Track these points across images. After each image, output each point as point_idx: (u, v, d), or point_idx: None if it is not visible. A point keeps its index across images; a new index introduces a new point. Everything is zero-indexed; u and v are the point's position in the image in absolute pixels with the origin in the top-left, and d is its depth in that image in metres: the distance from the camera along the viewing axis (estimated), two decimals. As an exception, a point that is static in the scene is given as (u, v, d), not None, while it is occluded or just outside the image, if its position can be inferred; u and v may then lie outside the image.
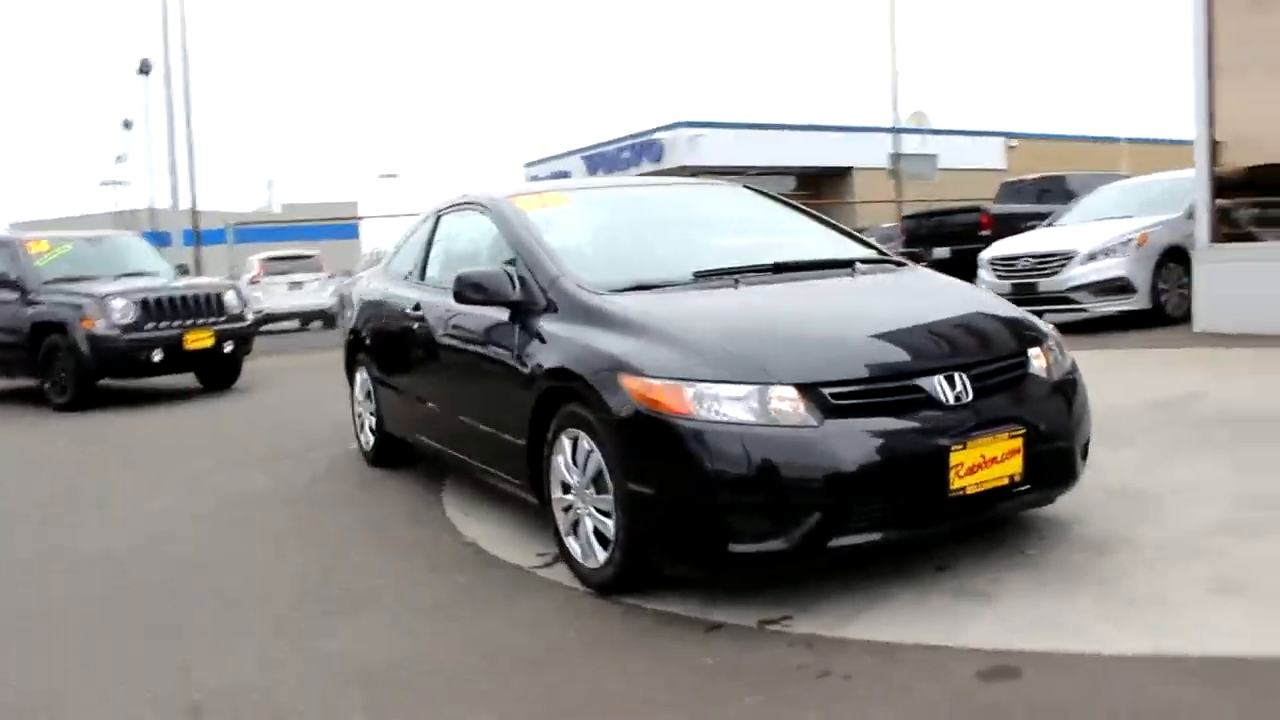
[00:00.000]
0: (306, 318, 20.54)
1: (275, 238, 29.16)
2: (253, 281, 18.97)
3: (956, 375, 3.31)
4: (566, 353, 3.58)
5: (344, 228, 43.12)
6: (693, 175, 39.19)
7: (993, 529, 3.79)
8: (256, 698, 2.92)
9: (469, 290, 4.06)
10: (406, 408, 5.22)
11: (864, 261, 4.28)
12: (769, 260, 4.08)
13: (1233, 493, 4.13)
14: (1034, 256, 9.89)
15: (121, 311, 8.98)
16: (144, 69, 34.24)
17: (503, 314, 4.09)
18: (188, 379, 10.25)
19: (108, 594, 3.94)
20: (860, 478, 3.09)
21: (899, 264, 4.40)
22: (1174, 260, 9.58)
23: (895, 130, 38.44)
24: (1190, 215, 9.70)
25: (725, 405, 3.12)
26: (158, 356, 9.14)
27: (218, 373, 9.98)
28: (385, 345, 5.49)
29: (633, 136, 40.60)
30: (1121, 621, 3.02)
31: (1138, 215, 10.18)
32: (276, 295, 19.23)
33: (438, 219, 5.28)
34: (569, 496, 3.66)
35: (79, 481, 6.20)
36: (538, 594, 3.64)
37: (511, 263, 4.20)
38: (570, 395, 3.59)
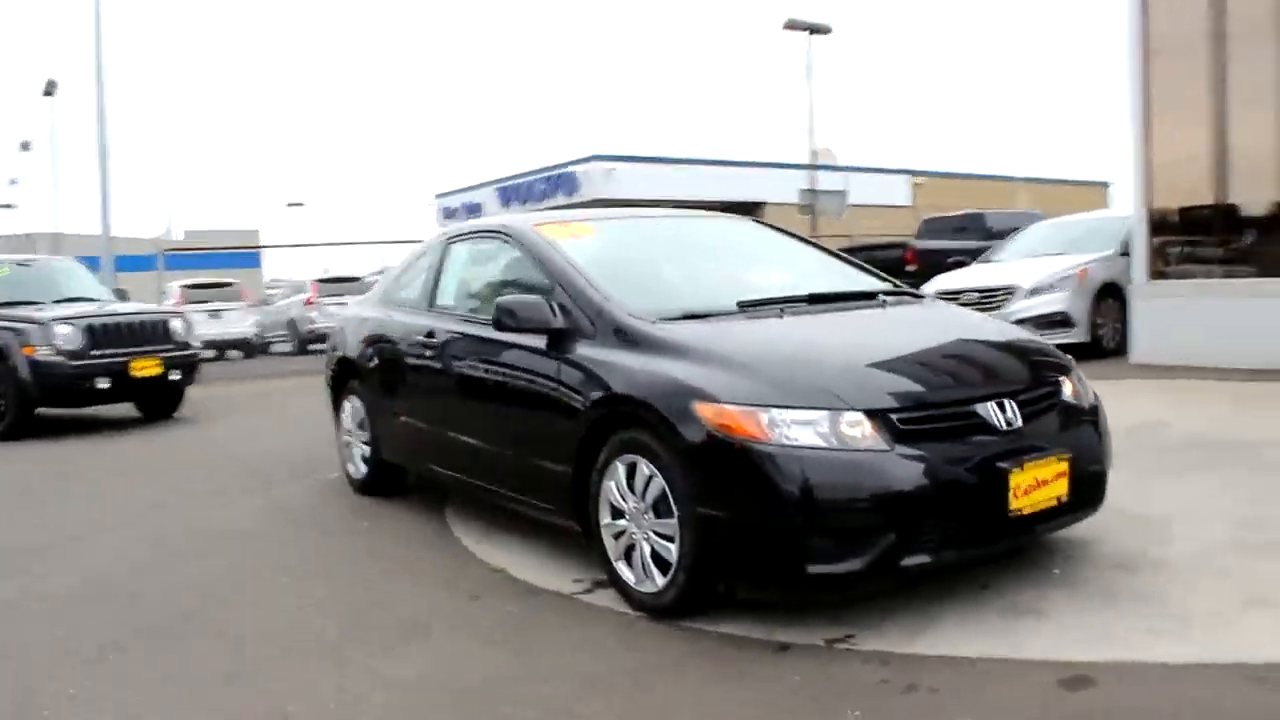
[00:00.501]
0: (224, 347, 19.99)
1: (179, 266, 28.33)
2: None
3: (1007, 402, 3.48)
4: (628, 379, 3.62)
5: (247, 256, 42.14)
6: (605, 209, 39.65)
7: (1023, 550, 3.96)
8: (348, 724, 2.88)
9: (508, 318, 4.08)
10: (413, 436, 5.17)
11: (886, 293, 4.45)
12: (801, 291, 4.21)
13: (1231, 514, 4.38)
14: (978, 291, 10.28)
15: (67, 338, 8.65)
16: (49, 90, 33.10)
17: (538, 341, 4.12)
18: (124, 408, 9.91)
19: (140, 634, 3.79)
20: (930, 499, 3.21)
21: (917, 296, 4.58)
22: (1110, 295, 10.08)
23: (809, 167, 39.38)
24: (1123, 252, 10.24)
25: (799, 430, 3.22)
26: (104, 384, 8.82)
27: (160, 402, 9.67)
28: (387, 373, 5.43)
29: (547, 169, 40.77)
30: (1171, 634, 3.19)
31: (1071, 252, 10.68)
32: (196, 324, 18.65)
33: (446, 247, 5.27)
34: (621, 522, 3.69)
35: (50, 515, 5.94)
36: (592, 620, 3.66)
37: (542, 290, 4.24)
38: (627, 421, 3.64)
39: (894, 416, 3.28)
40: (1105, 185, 50.74)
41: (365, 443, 5.75)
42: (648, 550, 3.59)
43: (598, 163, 37.99)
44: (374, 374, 5.56)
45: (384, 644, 3.51)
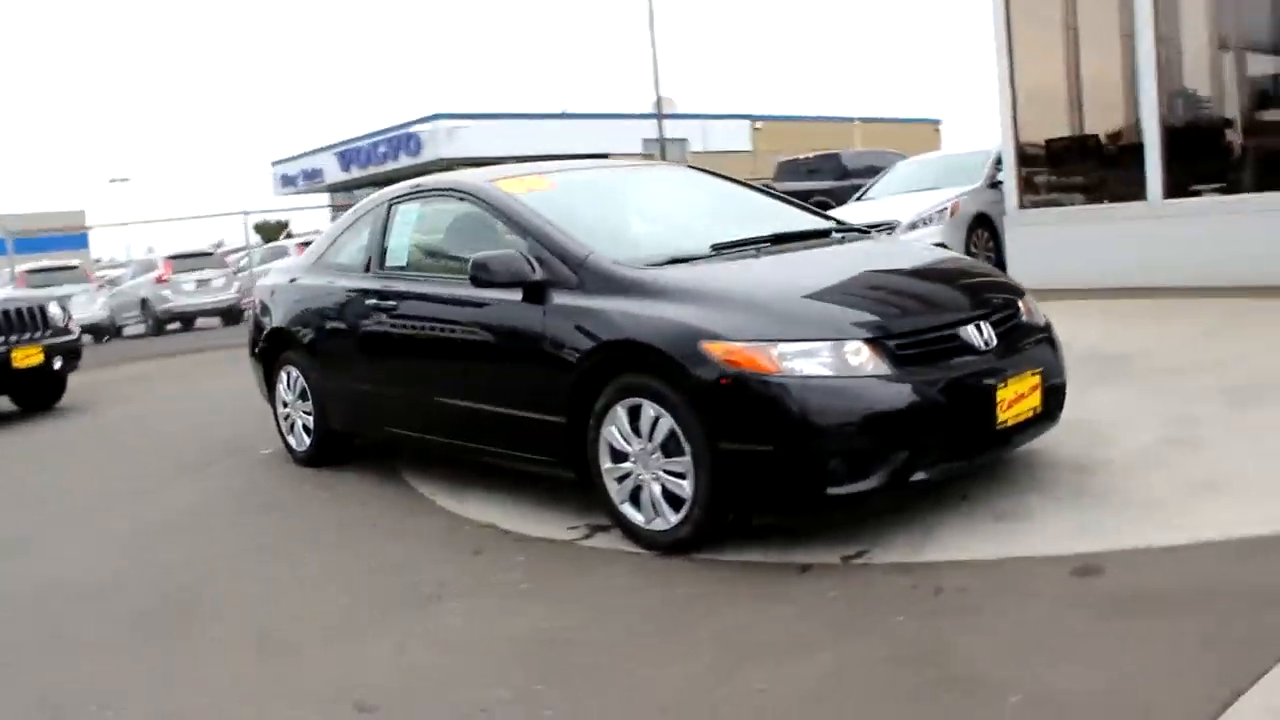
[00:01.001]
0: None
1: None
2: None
3: (982, 324, 3.73)
4: (628, 325, 3.70)
5: (74, 238, 39.57)
6: (449, 169, 39.00)
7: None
8: (433, 684, 2.91)
9: (484, 273, 4.09)
10: (370, 402, 5.10)
11: (837, 230, 4.65)
12: (763, 232, 4.35)
13: (1152, 416, 4.79)
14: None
15: (-63, 330, 8.04)
16: None
17: (512, 295, 4.14)
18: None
19: (151, 624, 3.66)
20: (933, 417, 3.44)
21: (865, 232, 4.80)
22: (980, 226, 10.69)
23: (651, 116, 39.54)
24: (991, 185, 10.85)
25: (805, 362, 3.38)
26: (-19, 378, 8.25)
27: (41, 393, 9.11)
28: (332, 340, 5.32)
29: (388, 130, 39.68)
30: (1148, 521, 3.52)
31: (941, 187, 11.22)
32: (42, 310, 17.50)
33: (389, 208, 5.18)
34: (626, 465, 3.79)
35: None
36: (606, 562, 3.75)
37: (508, 244, 4.25)
38: (628, 366, 3.72)
39: (890, 343, 3.48)
40: (936, 123, 53.18)
41: (307, 413, 5.63)
42: (657, 490, 3.70)
43: (440, 121, 37.19)
44: (316, 342, 5.43)
45: (411, 607, 3.52)
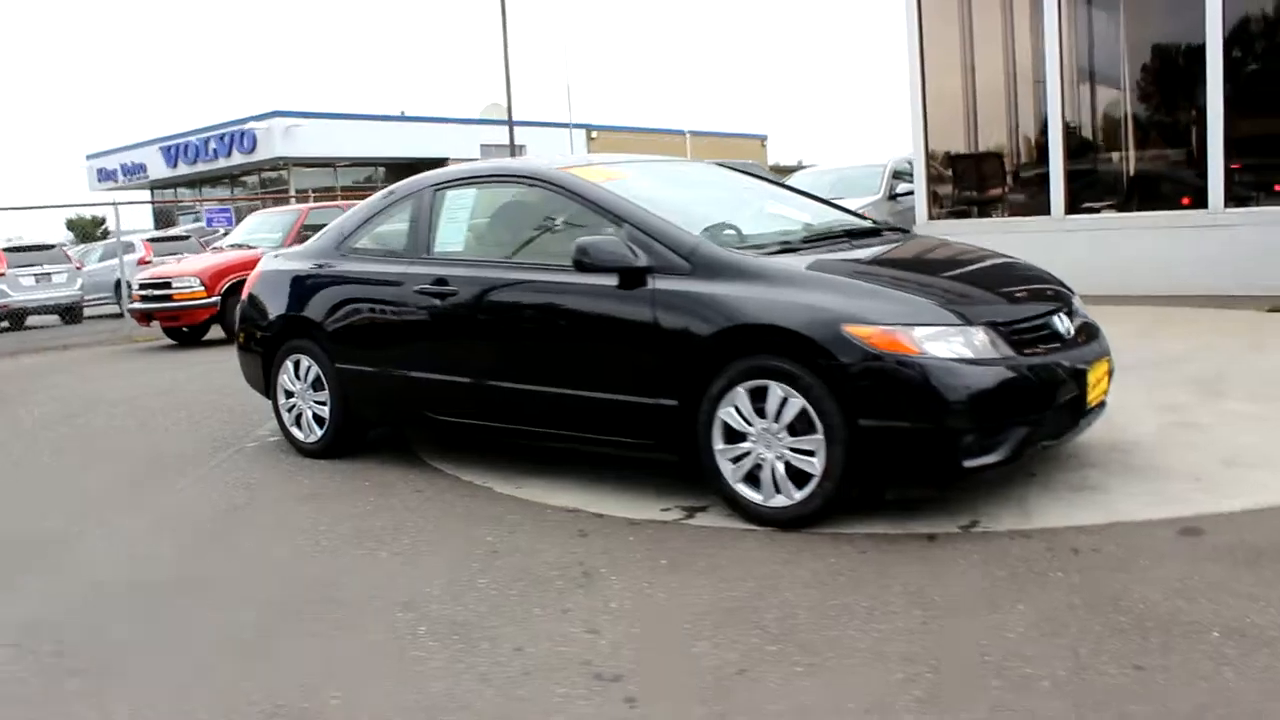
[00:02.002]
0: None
1: None
2: None
3: (1063, 314, 4.12)
4: (763, 309, 3.86)
5: None
6: (284, 167, 37.56)
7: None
8: (661, 651, 2.98)
9: (587, 257, 4.18)
10: (408, 389, 5.02)
11: (887, 229, 4.97)
12: (818, 224, 4.63)
13: (1145, 406, 5.33)
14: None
15: None
16: None
17: (603, 280, 4.23)
18: None
19: (281, 617, 3.55)
20: (1045, 396, 3.79)
21: (904, 230, 5.14)
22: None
23: (495, 122, 39.36)
24: (891, 196, 11.59)
25: (940, 345, 3.65)
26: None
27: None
28: (363, 326, 5.21)
29: (221, 126, 37.91)
30: (1208, 490, 3.98)
31: (844, 198, 11.83)
32: None
33: (435, 194, 5.12)
34: (744, 445, 3.95)
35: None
36: (730, 540, 3.87)
37: (593, 230, 4.34)
38: (751, 349, 3.89)
39: (1004, 330, 3.80)
40: (763, 138, 55.35)
41: (320, 403, 5.48)
42: (781, 468, 3.88)
43: (278, 119, 35.79)
44: (342, 329, 5.30)
45: (575, 587, 3.52)
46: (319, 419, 5.53)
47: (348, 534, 4.30)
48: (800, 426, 3.81)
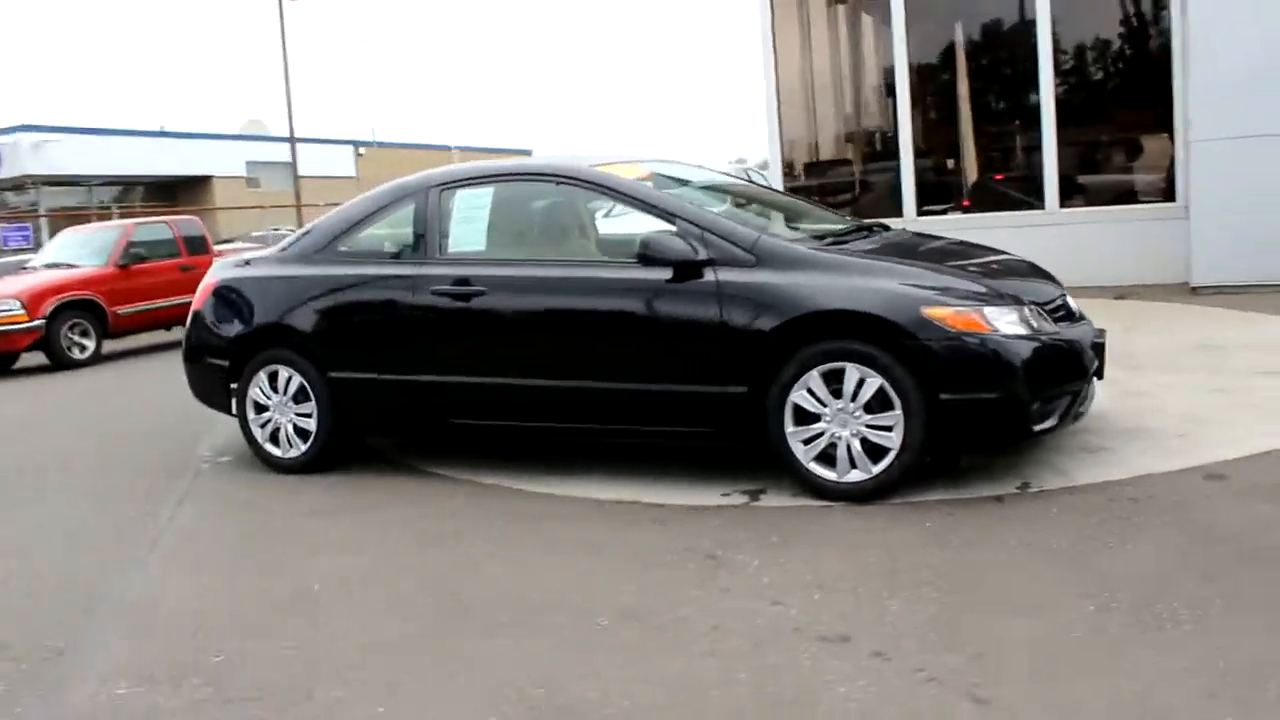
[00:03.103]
0: None
1: None
2: None
3: (1068, 296, 4.61)
4: (841, 295, 4.09)
5: None
6: (31, 186, 34.16)
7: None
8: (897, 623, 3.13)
9: (650, 252, 4.29)
10: (424, 394, 4.89)
11: (876, 226, 5.33)
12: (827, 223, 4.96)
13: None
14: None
15: None
16: None
17: (653, 273, 4.35)
18: None
19: (445, 621, 3.41)
20: (1086, 365, 4.24)
21: (886, 227, 5.53)
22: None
23: (255, 138, 37.60)
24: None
25: (1006, 322, 4.03)
26: None
27: None
28: (366, 331, 5.02)
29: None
30: (1196, 444, 4.55)
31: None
32: None
33: (439, 193, 5.01)
34: (818, 425, 4.17)
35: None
36: (814, 518, 4.05)
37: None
38: (825, 334, 4.11)
39: (1045, 308, 4.23)
40: (527, 152, 55.91)
41: (304, 415, 5.22)
42: (857, 445, 4.12)
43: (25, 134, 32.59)
44: (338, 335, 5.07)
45: (708, 571, 3.61)
46: (302, 432, 5.25)
47: (425, 543, 4.16)
48: (876, 405, 4.07)
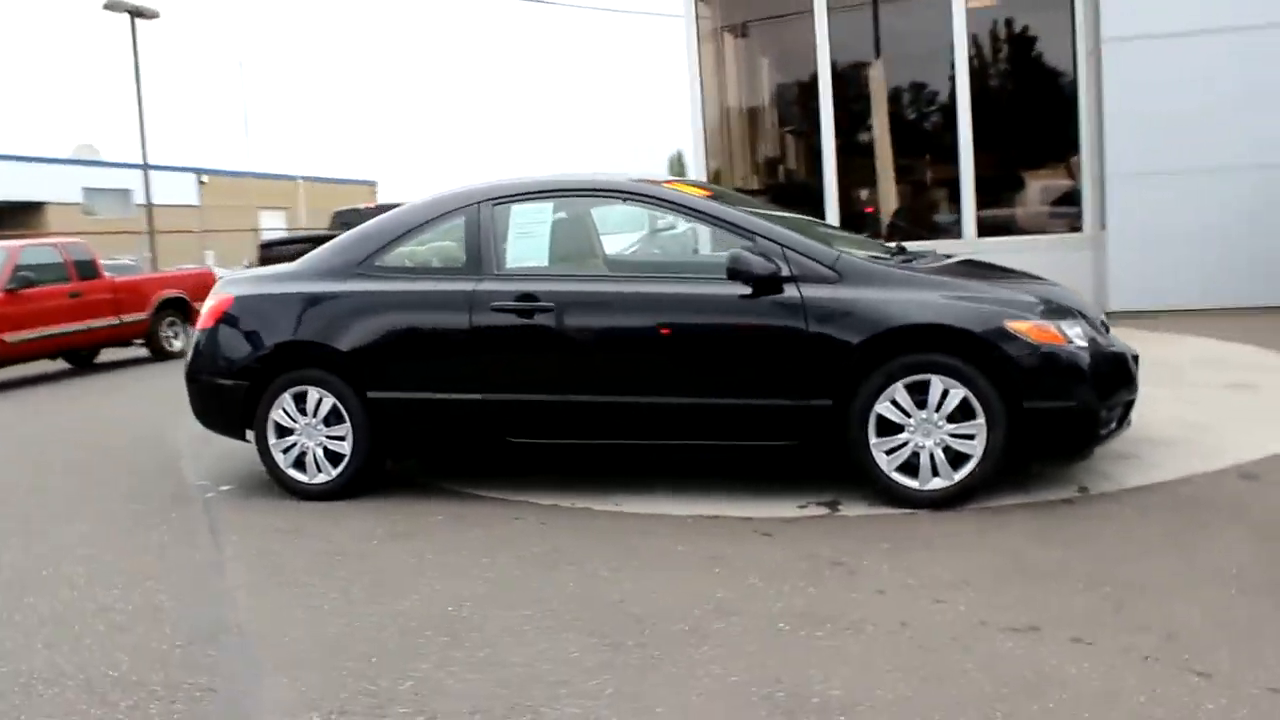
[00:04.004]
0: None
1: None
2: None
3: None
4: (930, 311, 4.28)
5: None
6: None
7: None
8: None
9: (741, 268, 4.39)
10: (478, 413, 4.79)
11: (901, 249, 5.59)
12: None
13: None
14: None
15: None
16: None
17: (738, 289, 4.44)
18: None
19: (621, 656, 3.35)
20: (1135, 376, 4.57)
21: (905, 249, 5.79)
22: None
23: (90, 163, 35.63)
24: (653, 232, 12.35)
25: (1076, 335, 4.32)
26: None
27: None
28: (415, 350, 4.89)
29: None
30: (1210, 449, 4.97)
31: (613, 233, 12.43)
32: None
33: (492, 208, 4.92)
34: (901, 436, 4.34)
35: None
36: (909, 523, 4.21)
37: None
38: (909, 347, 4.29)
39: (1096, 322, 4.55)
40: (373, 184, 54.81)
41: (336, 438, 5.02)
42: (940, 454, 4.31)
43: None
44: (387, 353, 4.91)
45: (843, 579, 3.70)
46: (333, 456, 5.05)
47: (531, 563, 4.06)
48: (959, 415, 4.27)
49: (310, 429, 5.06)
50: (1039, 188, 10.87)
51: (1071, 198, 10.41)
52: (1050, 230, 10.47)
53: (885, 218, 11.30)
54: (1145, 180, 8.97)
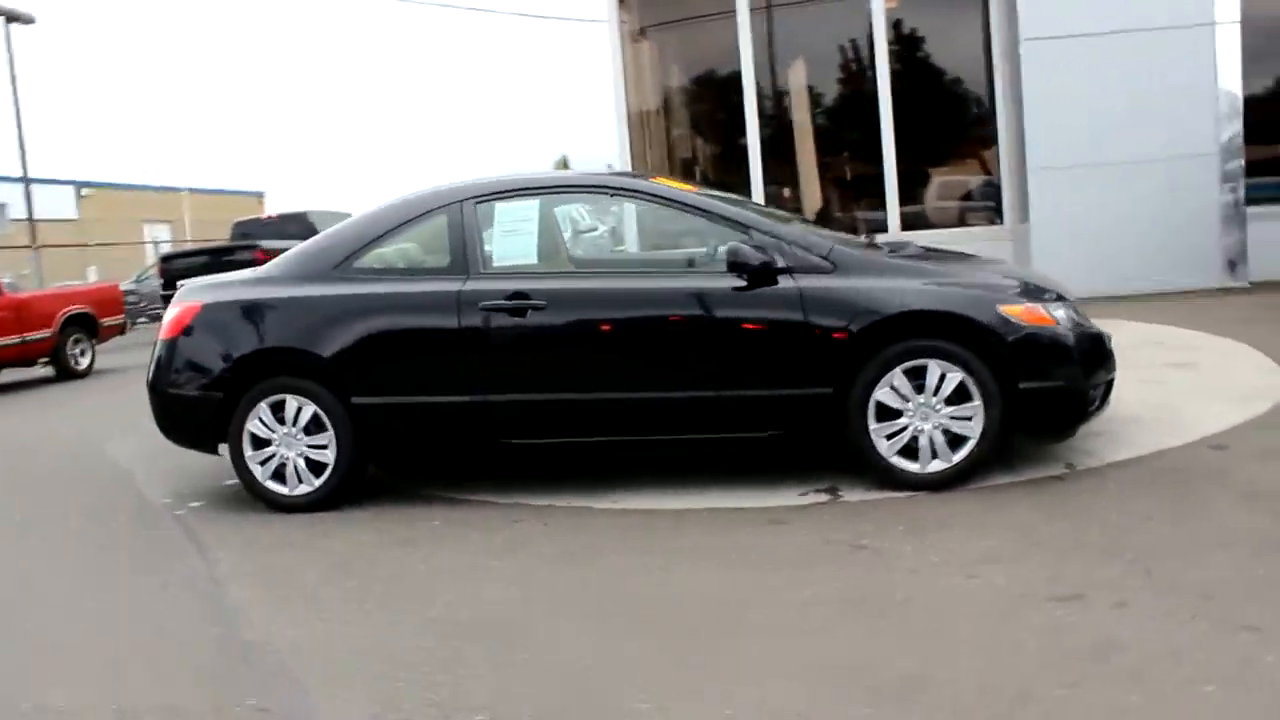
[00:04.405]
0: None
1: None
2: None
3: (1068, 295, 5.16)
4: (926, 297, 4.38)
5: None
6: None
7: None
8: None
9: (739, 260, 4.42)
10: (468, 415, 4.71)
11: (870, 237, 5.70)
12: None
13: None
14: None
15: None
16: None
17: (732, 282, 4.47)
18: None
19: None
20: (1113, 355, 4.75)
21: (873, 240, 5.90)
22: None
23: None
24: (576, 234, 12.35)
25: (1061, 315, 4.47)
26: None
27: None
28: (408, 352, 4.77)
29: None
30: (1175, 424, 5.20)
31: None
32: None
33: (474, 206, 4.83)
34: (900, 421, 4.42)
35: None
36: (911, 506, 4.29)
37: (701, 235, 4.58)
38: (906, 334, 4.38)
39: (1072, 302, 4.73)
40: (260, 195, 53.35)
41: (317, 447, 4.86)
42: (939, 437, 4.41)
43: None
44: (373, 357, 4.77)
45: (869, 561, 3.77)
46: (315, 466, 4.88)
47: (558, 563, 4.01)
48: (956, 398, 4.38)
49: (290, 439, 4.88)
50: (958, 183, 11.23)
51: (990, 192, 10.78)
52: (971, 223, 10.83)
53: (810, 216, 11.50)
54: (1066, 174, 9.36)
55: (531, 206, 4.93)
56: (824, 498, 4.52)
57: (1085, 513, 4.03)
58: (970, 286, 4.47)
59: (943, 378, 4.38)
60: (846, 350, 4.40)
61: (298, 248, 5.19)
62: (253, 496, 5.01)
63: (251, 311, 4.97)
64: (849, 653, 2.96)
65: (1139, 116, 9.14)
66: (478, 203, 4.89)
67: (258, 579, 4.10)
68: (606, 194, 4.90)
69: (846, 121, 11.61)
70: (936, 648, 2.94)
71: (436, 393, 4.75)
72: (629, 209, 5.09)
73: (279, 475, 4.93)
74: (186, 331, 5.04)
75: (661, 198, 4.78)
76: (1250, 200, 9.36)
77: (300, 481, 4.91)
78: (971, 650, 2.90)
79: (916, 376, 4.40)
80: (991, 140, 10.45)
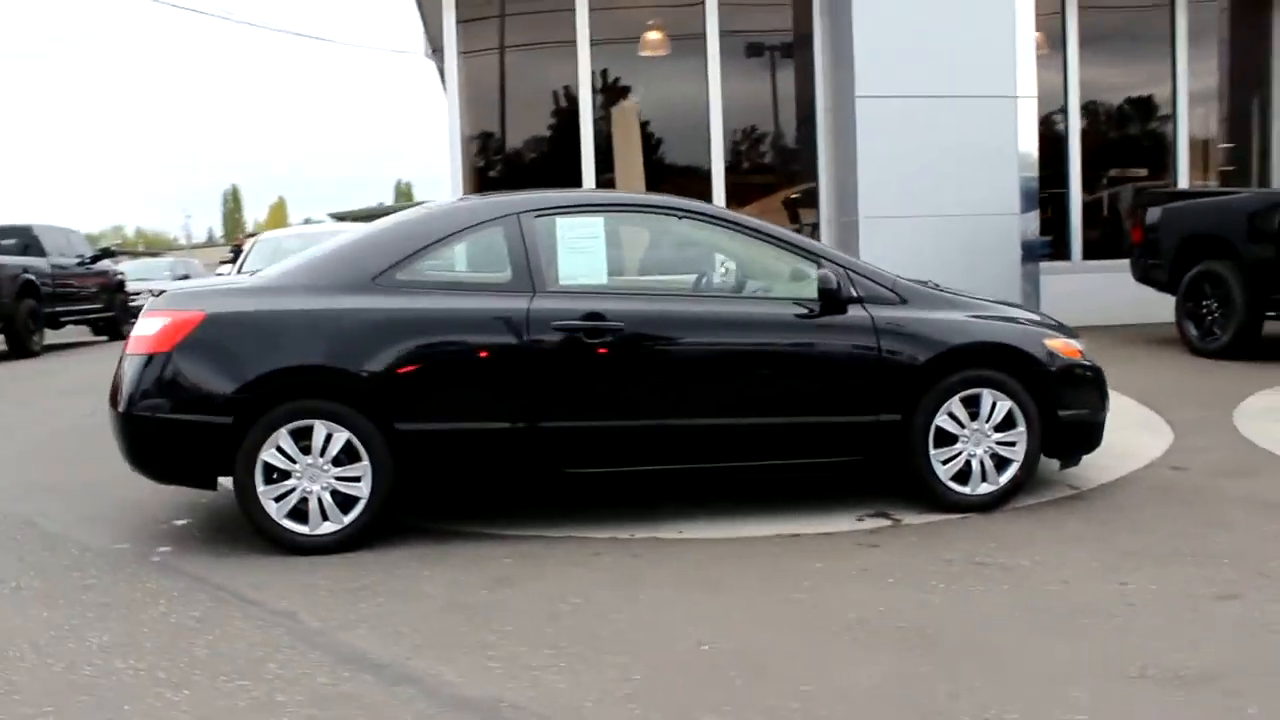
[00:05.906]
0: None
1: None
2: None
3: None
4: (987, 331, 4.72)
5: None
6: None
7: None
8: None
9: (830, 288, 4.53)
10: (546, 441, 4.46)
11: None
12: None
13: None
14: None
15: None
16: None
17: (797, 308, 4.59)
18: None
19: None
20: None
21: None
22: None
23: None
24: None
25: (1084, 349, 4.96)
26: None
27: None
28: (466, 374, 4.41)
29: None
30: (1128, 450, 5.77)
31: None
32: None
33: (536, 219, 4.56)
34: (957, 445, 4.69)
35: None
36: (974, 529, 4.51)
37: (755, 264, 4.70)
38: (963, 364, 4.67)
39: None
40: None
41: (348, 479, 4.36)
42: (988, 460, 4.72)
43: None
44: (424, 378, 4.36)
45: (1023, 583, 3.95)
46: (344, 500, 4.36)
47: (693, 595, 3.84)
48: (1004, 424, 4.72)
49: (314, 469, 4.33)
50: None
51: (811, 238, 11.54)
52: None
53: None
54: (891, 224, 10.22)
55: (596, 224, 4.73)
56: (884, 522, 4.67)
57: (1135, 524, 4.48)
58: (1019, 321, 4.85)
59: (994, 406, 4.70)
60: (916, 379, 4.61)
61: (314, 257, 4.65)
62: (264, 537, 4.38)
63: (272, 324, 4.38)
64: (1116, 650, 3.15)
65: (948, 175, 10.17)
66: (537, 216, 4.63)
67: (365, 626, 3.60)
68: (675, 216, 4.79)
69: (681, 164, 11.94)
70: (1190, 642, 3.20)
71: (495, 418, 4.42)
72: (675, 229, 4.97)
73: (298, 514, 4.35)
74: (182, 345, 4.32)
75: (730, 222, 4.78)
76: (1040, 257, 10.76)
77: (325, 519, 4.36)
78: (1219, 647, 3.17)
79: (970, 405, 4.69)
80: (813, 191, 11.20)
